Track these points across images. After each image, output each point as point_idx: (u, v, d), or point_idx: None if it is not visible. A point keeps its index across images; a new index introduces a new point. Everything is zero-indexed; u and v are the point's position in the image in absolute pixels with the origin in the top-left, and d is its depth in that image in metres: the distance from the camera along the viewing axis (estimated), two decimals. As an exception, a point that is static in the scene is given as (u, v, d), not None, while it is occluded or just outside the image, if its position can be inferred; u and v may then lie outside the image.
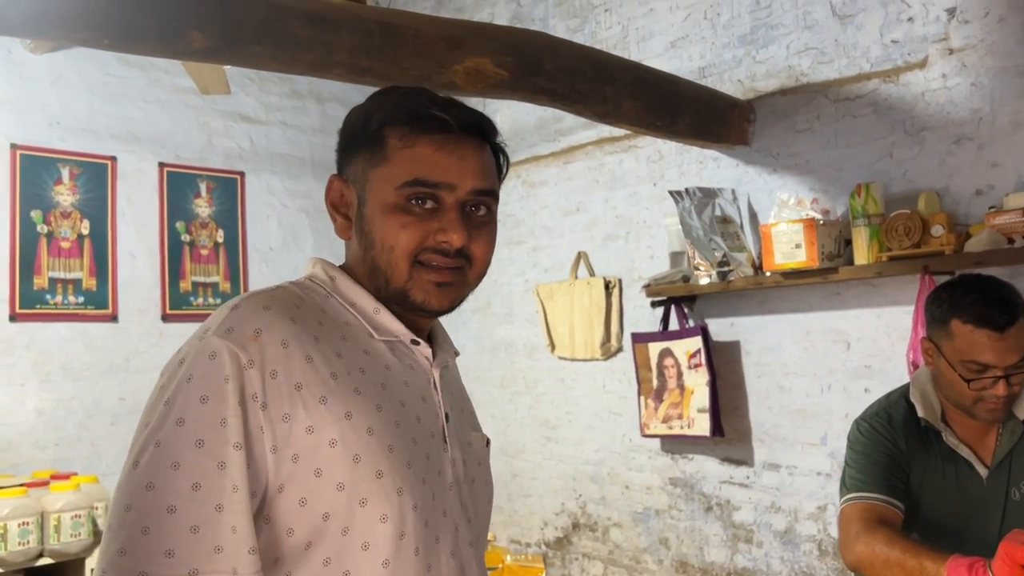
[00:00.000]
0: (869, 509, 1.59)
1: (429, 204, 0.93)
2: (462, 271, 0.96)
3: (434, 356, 1.01)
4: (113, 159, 3.51)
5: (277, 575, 0.86)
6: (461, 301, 0.99)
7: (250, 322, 0.87)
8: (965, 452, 1.65)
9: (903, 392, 1.75)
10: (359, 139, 0.97)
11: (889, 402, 1.77)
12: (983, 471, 1.64)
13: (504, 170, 1.04)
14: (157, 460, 0.82)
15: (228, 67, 2.66)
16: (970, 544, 1.62)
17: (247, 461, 0.83)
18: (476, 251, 0.97)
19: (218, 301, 3.76)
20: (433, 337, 1.05)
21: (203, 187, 3.77)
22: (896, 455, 1.66)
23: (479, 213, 0.97)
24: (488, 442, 1.11)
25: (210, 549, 0.80)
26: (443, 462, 0.97)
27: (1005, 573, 1.24)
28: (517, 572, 3.55)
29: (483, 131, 0.99)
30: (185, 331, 3.65)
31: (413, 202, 0.93)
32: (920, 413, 1.67)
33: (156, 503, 0.80)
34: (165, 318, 3.60)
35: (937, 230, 2.23)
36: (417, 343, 0.99)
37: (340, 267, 1.01)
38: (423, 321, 1.01)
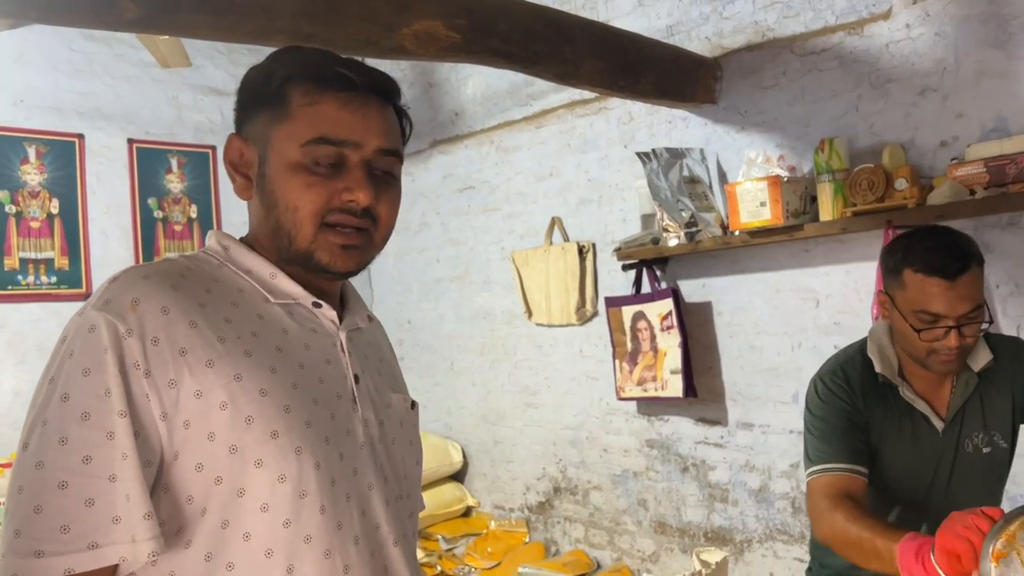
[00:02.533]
0: (833, 482, 1.56)
1: (334, 162, 0.92)
2: (368, 233, 0.95)
3: (341, 319, 1.00)
4: (81, 136, 3.48)
5: (180, 543, 0.85)
6: (367, 263, 0.98)
7: (128, 292, 0.86)
8: (921, 406, 1.64)
9: (860, 346, 1.73)
10: (260, 96, 0.95)
11: (846, 357, 1.73)
12: (939, 424, 1.63)
13: (407, 133, 1.02)
14: (45, 438, 0.81)
15: (189, 39, 2.62)
16: (926, 497, 1.64)
17: (135, 429, 0.82)
18: (382, 211, 0.95)
19: (194, 277, 3.74)
20: (344, 300, 1.04)
21: (174, 162, 3.73)
22: (854, 416, 1.64)
23: (383, 173, 0.96)
24: (414, 404, 1.10)
25: (108, 520, 0.80)
26: (352, 422, 0.96)
27: (943, 564, 1.19)
28: (501, 537, 3.58)
29: (388, 91, 0.97)
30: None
31: (317, 161, 0.91)
32: (877, 368, 1.65)
33: (47, 480, 0.80)
34: (141, 295, 3.59)
35: (900, 184, 2.20)
36: (319, 305, 0.97)
37: (241, 238, 1.00)
38: (328, 284, 1.00)
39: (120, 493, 0.81)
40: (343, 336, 0.99)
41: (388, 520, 0.97)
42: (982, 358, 1.62)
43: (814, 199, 2.43)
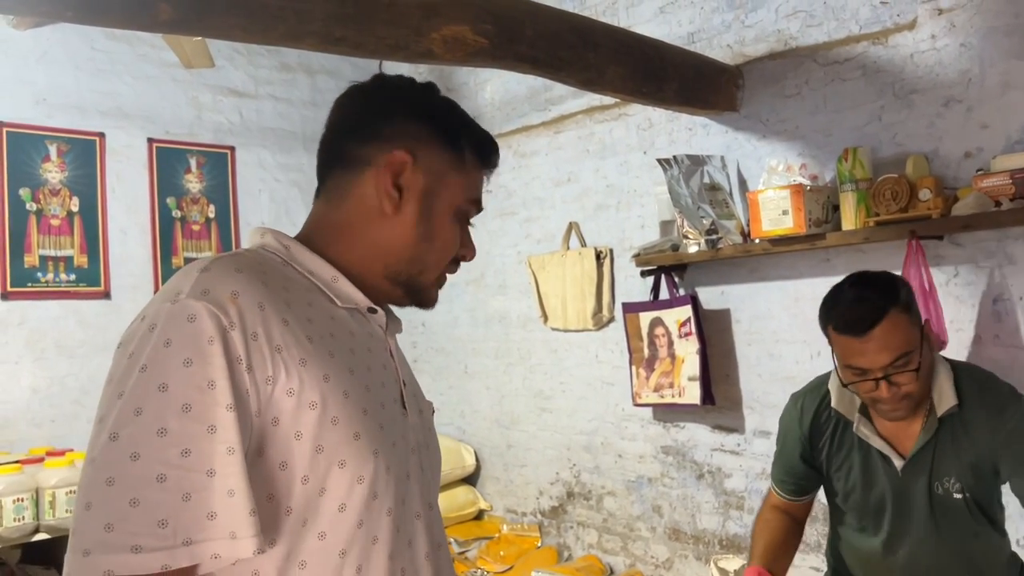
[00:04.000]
0: (770, 495, 1.87)
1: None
2: None
3: (386, 326, 1.02)
4: (101, 135, 3.50)
5: (266, 541, 0.84)
6: None
7: (225, 284, 0.85)
8: (877, 443, 1.64)
9: (829, 377, 1.75)
10: (441, 132, 1.01)
11: (816, 383, 1.81)
12: (899, 462, 1.62)
13: None
14: (140, 428, 0.78)
15: (212, 40, 2.64)
16: (886, 530, 1.68)
17: (240, 425, 0.81)
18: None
19: (211, 277, 3.76)
20: (385, 308, 1.06)
21: (193, 162, 3.75)
22: (799, 450, 1.76)
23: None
24: (433, 410, 1.13)
25: (203, 516, 0.78)
26: (405, 427, 0.98)
27: None
28: (513, 541, 3.58)
29: None
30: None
31: (467, 216, 1.05)
32: (833, 403, 1.68)
33: (144, 473, 0.77)
34: (158, 294, 3.60)
35: (924, 194, 2.20)
36: (375, 311, 1.00)
37: (295, 237, 1.00)
38: (378, 295, 1.01)
39: (218, 489, 0.78)
40: (392, 342, 1.01)
41: (432, 524, 0.99)
42: (947, 402, 1.58)
43: (836, 208, 2.43)
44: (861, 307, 1.51)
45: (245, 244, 1.00)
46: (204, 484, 0.78)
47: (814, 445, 1.74)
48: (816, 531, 2.61)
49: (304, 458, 0.85)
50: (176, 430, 0.78)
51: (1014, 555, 1.75)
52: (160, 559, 0.76)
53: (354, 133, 1.00)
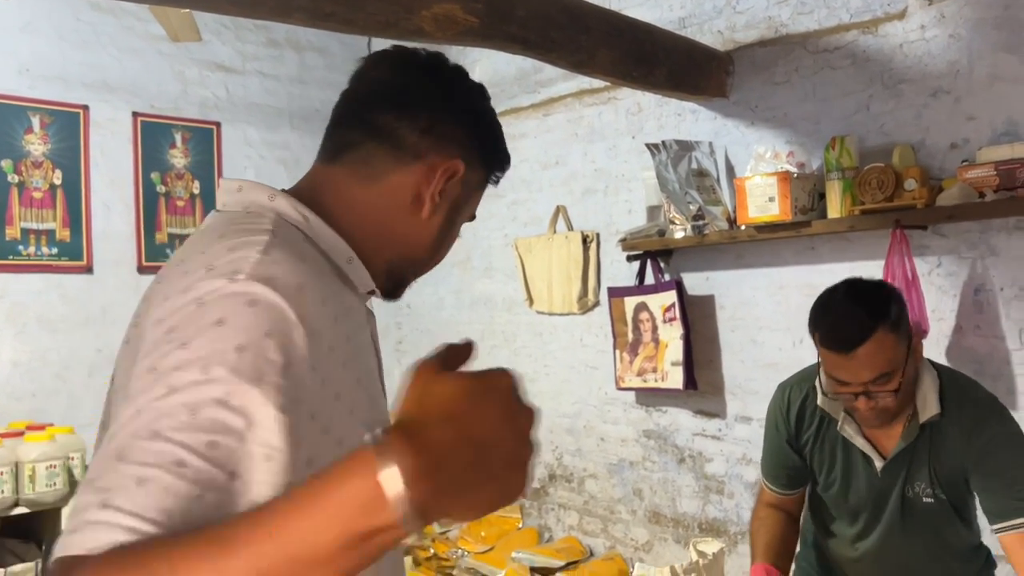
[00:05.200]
0: (763, 492, 1.86)
1: None
2: None
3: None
4: (85, 108, 3.45)
5: None
6: None
7: (293, 275, 0.75)
8: (860, 443, 1.66)
9: (817, 369, 1.73)
10: (485, 150, 0.98)
11: (803, 376, 1.81)
12: (879, 463, 1.65)
13: None
14: (168, 404, 0.66)
15: (199, 13, 2.60)
16: (861, 524, 1.72)
17: (288, 428, 0.70)
18: None
19: (195, 253, 3.73)
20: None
21: (178, 137, 3.71)
22: (783, 444, 1.77)
23: None
24: None
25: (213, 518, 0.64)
26: (386, 412, 0.95)
27: None
28: (494, 522, 3.60)
29: None
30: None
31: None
32: (819, 401, 1.69)
33: (162, 453, 0.64)
34: (141, 270, 3.57)
35: (910, 184, 2.22)
36: (373, 293, 0.96)
37: (303, 200, 0.88)
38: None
39: (240, 494, 0.65)
40: (374, 324, 0.98)
41: None
42: (929, 410, 1.59)
43: (822, 196, 2.44)
44: (849, 325, 1.51)
45: (242, 196, 0.87)
46: (223, 486, 0.64)
47: (800, 436, 1.75)
48: (794, 516, 2.64)
49: (328, 453, 0.75)
50: (207, 418, 0.66)
51: (982, 545, 1.79)
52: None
53: (403, 111, 0.91)
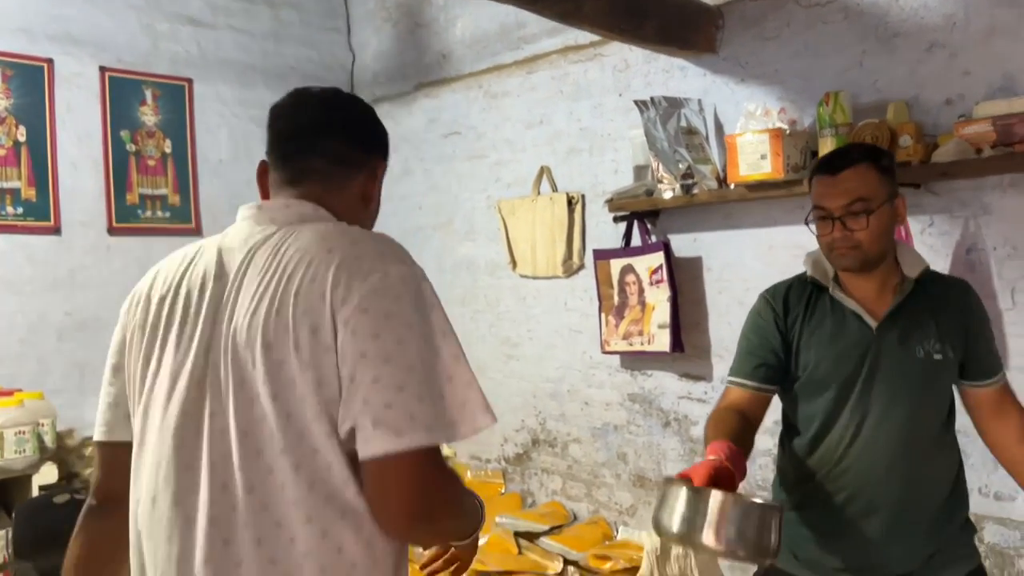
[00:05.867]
0: (727, 394, 1.79)
1: None
2: None
3: None
4: (49, 62, 3.31)
5: None
6: None
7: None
8: (852, 304, 1.69)
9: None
10: (386, 152, 1.32)
11: (781, 282, 1.87)
12: (872, 322, 1.67)
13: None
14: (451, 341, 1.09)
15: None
16: (853, 399, 1.68)
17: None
18: None
19: (167, 215, 3.63)
20: None
21: (148, 94, 3.58)
22: (768, 330, 1.76)
23: None
24: None
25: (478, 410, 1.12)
26: None
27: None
28: (476, 487, 3.56)
29: None
30: (133, 245, 3.57)
31: None
32: (808, 272, 1.77)
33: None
34: (111, 231, 3.46)
35: (905, 140, 2.17)
36: None
37: (313, 213, 1.19)
38: None
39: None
40: None
41: None
42: (917, 265, 1.69)
43: (814, 154, 2.39)
44: (839, 153, 1.71)
45: (291, 212, 1.17)
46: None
47: (787, 317, 1.76)
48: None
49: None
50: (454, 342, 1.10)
51: (961, 465, 1.76)
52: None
53: (346, 138, 1.23)
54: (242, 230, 1.16)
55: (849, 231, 1.62)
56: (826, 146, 2.31)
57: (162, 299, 1.15)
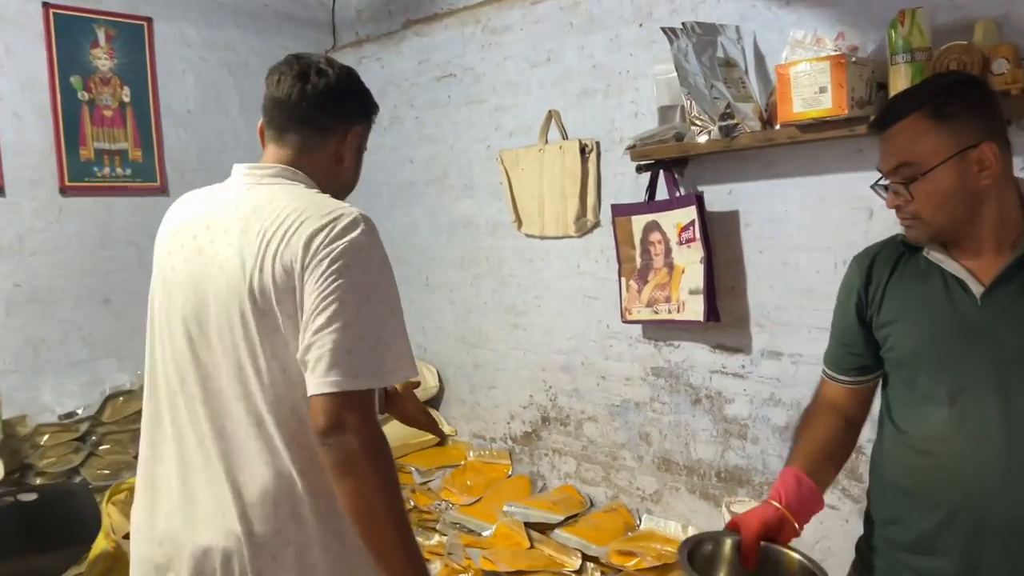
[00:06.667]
0: (821, 386, 1.57)
1: None
2: None
3: None
4: (-17, -3, 2.88)
5: None
6: None
7: None
8: (951, 266, 1.36)
9: None
10: (366, 115, 1.50)
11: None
12: (977, 288, 1.32)
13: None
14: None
15: None
16: (952, 378, 1.33)
17: None
18: None
19: (128, 172, 3.23)
20: None
21: (101, 35, 3.15)
22: (850, 307, 1.48)
23: None
24: None
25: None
26: None
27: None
28: (481, 469, 3.25)
29: None
30: (90, 206, 3.18)
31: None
32: (901, 230, 1.43)
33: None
34: (64, 191, 3.06)
35: (1000, 65, 1.79)
36: None
37: (291, 178, 1.41)
38: None
39: None
40: None
41: None
42: None
43: (881, 87, 2.01)
44: (891, 103, 1.39)
45: (273, 173, 1.39)
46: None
47: (870, 284, 1.46)
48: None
49: None
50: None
51: None
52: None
53: (321, 106, 1.40)
54: (233, 187, 1.39)
55: (900, 197, 1.35)
56: (898, 77, 1.92)
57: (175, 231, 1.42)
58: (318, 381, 1.21)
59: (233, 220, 1.31)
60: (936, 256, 1.38)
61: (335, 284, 1.22)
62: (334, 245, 1.23)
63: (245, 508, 1.26)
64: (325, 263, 1.22)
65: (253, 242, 1.27)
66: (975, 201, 1.32)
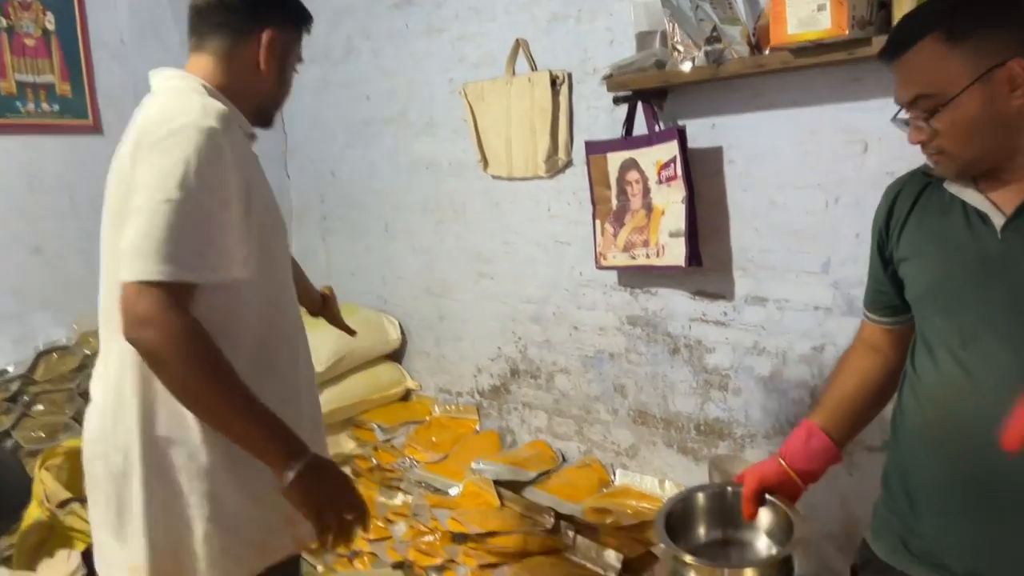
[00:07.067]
0: (861, 328, 1.51)
1: None
2: None
3: None
4: None
5: None
6: None
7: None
8: (971, 197, 1.24)
9: None
10: (291, 20, 1.55)
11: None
12: (998, 219, 1.20)
13: None
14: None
15: None
16: (968, 319, 1.21)
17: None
18: None
19: (56, 108, 2.95)
20: None
21: (18, -47, 2.84)
22: (878, 239, 1.39)
23: None
24: None
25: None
26: None
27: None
28: (447, 425, 3.09)
29: None
30: (13, 146, 2.89)
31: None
32: (924, 162, 1.32)
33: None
34: (-17, 130, 2.78)
35: (1018, -22, 1.61)
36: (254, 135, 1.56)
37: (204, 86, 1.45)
38: None
39: None
40: None
41: None
42: None
43: (883, 6, 1.83)
44: (899, 27, 1.25)
45: (171, 82, 1.45)
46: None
47: (890, 223, 1.36)
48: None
49: None
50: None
51: None
52: None
53: (232, 11, 1.46)
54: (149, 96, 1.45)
55: (923, 130, 1.22)
56: (904, -8, 1.74)
57: None
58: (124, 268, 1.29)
59: (129, 132, 1.40)
60: (955, 188, 1.26)
61: (146, 177, 1.29)
62: (160, 144, 1.29)
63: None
64: (148, 156, 1.30)
65: (124, 153, 1.37)
66: (1009, 126, 1.18)
